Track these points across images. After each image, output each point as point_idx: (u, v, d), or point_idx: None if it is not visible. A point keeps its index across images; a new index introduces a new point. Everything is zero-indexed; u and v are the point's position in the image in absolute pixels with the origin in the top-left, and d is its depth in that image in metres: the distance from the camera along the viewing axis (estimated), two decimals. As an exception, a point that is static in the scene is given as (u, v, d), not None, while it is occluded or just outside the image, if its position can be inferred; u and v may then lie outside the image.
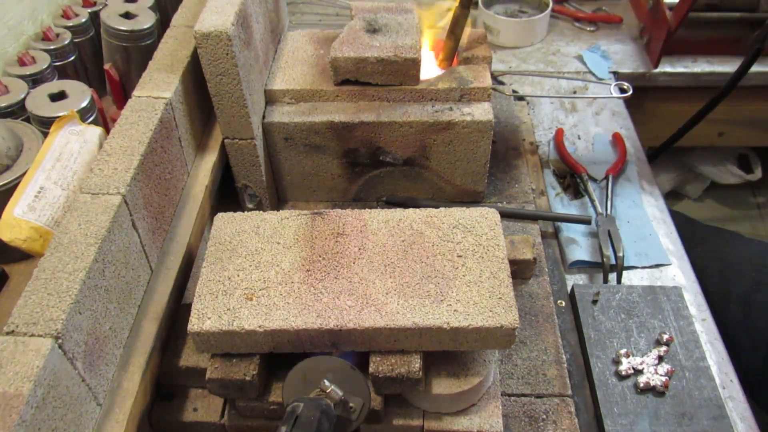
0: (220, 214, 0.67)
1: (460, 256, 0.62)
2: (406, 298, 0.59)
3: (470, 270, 0.61)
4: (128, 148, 0.62)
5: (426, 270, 0.61)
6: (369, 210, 0.67)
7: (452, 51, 0.86)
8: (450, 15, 0.84)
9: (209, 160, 0.77)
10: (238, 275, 0.61)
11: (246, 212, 0.67)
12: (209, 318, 0.58)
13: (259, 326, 0.57)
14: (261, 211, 0.68)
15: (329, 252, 0.63)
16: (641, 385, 0.70)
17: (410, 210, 0.67)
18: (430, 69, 0.87)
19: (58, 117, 0.70)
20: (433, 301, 0.58)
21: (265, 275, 0.61)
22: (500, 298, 0.58)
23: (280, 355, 0.61)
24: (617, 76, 1.18)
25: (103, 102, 0.86)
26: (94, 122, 0.78)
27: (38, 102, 0.76)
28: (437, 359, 0.63)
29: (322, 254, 0.63)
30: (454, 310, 0.57)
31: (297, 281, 0.60)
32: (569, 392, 0.70)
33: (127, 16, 0.89)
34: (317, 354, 0.59)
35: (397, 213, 0.66)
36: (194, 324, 0.57)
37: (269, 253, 0.63)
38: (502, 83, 1.12)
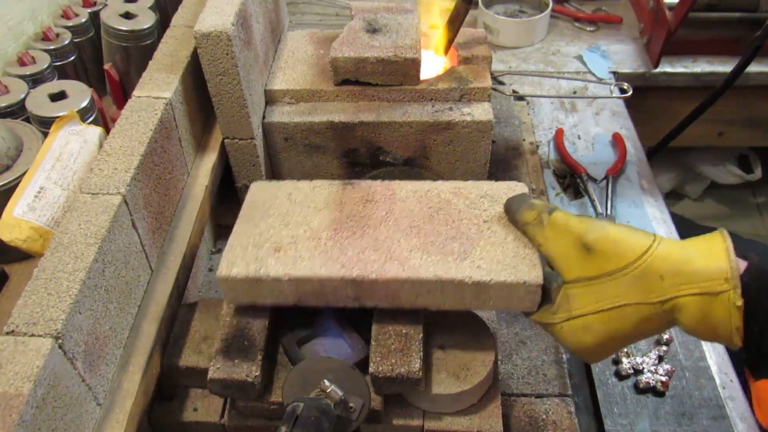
0: (256, 182, 0.70)
1: (486, 222, 0.63)
2: (430, 255, 0.59)
3: (495, 233, 0.61)
4: (128, 148, 0.62)
5: (451, 232, 0.62)
6: (398, 181, 0.68)
7: (449, 42, 0.86)
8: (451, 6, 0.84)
9: (209, 160, 0.77)
10: (269, 231, 0.63)
11: (280, 181, 0.69)
12: (237, 265, 0.59)
13: (285, 274, 0.58)
14: (294, 180, 0.69)
15: (357, 215, 0.64)
16: (641, 385, 0.70)
17: (438, 182, 0.68)
18: (430, 68, 0.87)
19: (58, 117, 0.70)
20: (457, 258, 0.59)
21: (294, 232, 0.63)
22: (524, 258, 0.58)
23: (286, 353, 0.60)
24: (617, 76, 1.18)
25: (103, 102, 0.86)
26: (94, 122, 0.78)
27: (38, 102, 0.76)
28: (437, 359, 0.63)
29: (350, 216, 0.64)
30: (477, 267, 0.58)
31: (324, 238, 0.62)
32: (569, 392, 0.70)
33: (127, 16, 0.89)
34: (339, 309, 0.60)
35: (426, 184, 0.67)
36: (223, 270, 0.59)
37: (299, 215, 0.65)
38: (502, 83, 1.12)
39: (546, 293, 0.57)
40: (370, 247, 0.61)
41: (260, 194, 0.68)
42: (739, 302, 0.47)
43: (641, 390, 0.70)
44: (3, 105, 0.77)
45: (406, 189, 0.67)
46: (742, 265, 0.49)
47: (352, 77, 0.81)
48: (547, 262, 0.58)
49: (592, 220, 0.55)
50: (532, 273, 0.57)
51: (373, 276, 0.58)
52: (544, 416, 0.68)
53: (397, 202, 0.66)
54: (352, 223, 0.63)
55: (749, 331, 0.48)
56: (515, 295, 0.57)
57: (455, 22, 0.84)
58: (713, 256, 0.49)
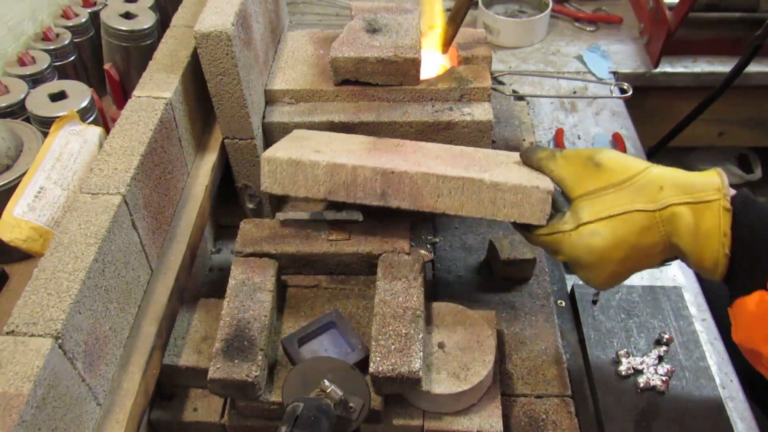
0: (296, 129, 0.79)
1: (501, 163, 0.69)
2: (454, 168, 0.66)
3: (510, 167, 0.67)
4: (128, 148, 0.62)
5: (471, 162, 0.69)
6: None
7: (451, 37, 0.87)
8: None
9: (209, 160, 0.77)
10: (310, 145, 0.71)
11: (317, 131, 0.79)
12: (280, 152, 0.68)
13: (323, 160, 0.66)
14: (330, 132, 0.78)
15: (389, 149, 0.72)
16: (641, 385, 0.70)
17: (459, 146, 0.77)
18: (430, 68, 0.87)
19: (58, 117, 0.70)
20: (477, 172, 0.65)
21: (334, 148, 0.70)
22: (537, 177, 0.65)
23: (286, 353, 0.60)
24: (617, 76, 1.18)
25: (103, 102, 0.86)
26: (94, 122, 0.78)
27: (38, 102, 0.76)
28: (437, 359, 0.63)
29: (383, 148, 0.72)
30: (495, 177, 0.64)
31: (359, 153, 0.70)
32: (569, 392, 0.70)
33: (127, 16, 0.89)
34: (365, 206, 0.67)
35: (446, 145, 0.77)
36: (268, 152, 0.68)
37: (338, 141, 0.73)
38: (502, 83, 1.12)
39: (552, 218, 0.63)
40: (400, 159, 0.68)
41: (300, 133, 0.77)
42: (728, 206, 0.54)
43: (641, 390, 0.70)
44: (3, 105, 0.77)
45: (431, 143, 0.76)
46: (731, 192, 0.56)
47: (352, 77, 0.81)
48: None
49: (599, 148, 0.63)
50: (544, 182, 0.63)
51: (403, 169, 0.65)
52: (544, 416, 0.68)
53: (424, 148, 0.74)
54: (384, 150, 0.72)
55: (734, 255, 0.54)
56: (528, 201, 0.63)
57: (456, 18, 0.84)
58: (706, 175, 0.57)
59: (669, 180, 0.57)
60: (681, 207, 0.55)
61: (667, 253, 0.58)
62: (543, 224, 0.63)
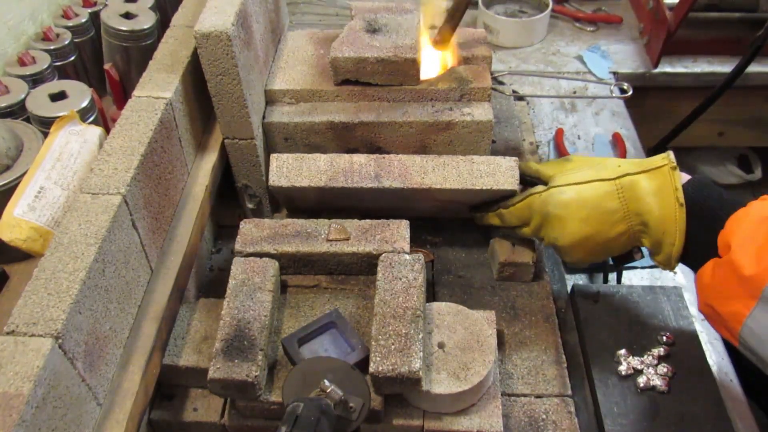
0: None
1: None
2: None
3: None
4: (128, 148, 0.62)
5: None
6: None
7: (449, 34, 0.85)
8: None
9: (209, 160, 0.77)
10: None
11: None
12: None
13: (324, 155, 0.76)
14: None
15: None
16: (641, 385, 0.70)
17: None
18: (430, 68, 0.87)
19: (58, 117, 0.70)
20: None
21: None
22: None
23: (286, 353, 0.60)
24: (617, 76, 1.18)
25: (103, 102, 0.86)
26: (94, 122, 0.78)
27: (38, 102, 0.76)
28: (437, 359, 0.63)
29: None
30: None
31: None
32: (569, 392, 0.70)
33: (127, 16, 0.89)
34: (362, 189, 0.73)
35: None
36: (274, 154, 0.77)
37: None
38: (502, 83, 1.12)
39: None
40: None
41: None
42: (674, 165, 0.65)
43: (641, 390, 0.70)
44: (3, 105, 0.77)
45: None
46: (686, 177, 0.66)
47: (352, 77, 0.81)
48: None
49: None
50: (510, 157, 0.75)
51: (392, 156, 0.75)
52: (544, 416, 0.68)
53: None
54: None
55: (689, 232, 0.64)
56: (499, 169, 0.74)
57: (456, 13, 0.83)
58: (656, 156, 0.68)
59: (624, 161, 0.70)
60: (637, 175, 0.67)
61: (627, 222, 0.67)
62: (516, 189, 0.74)
